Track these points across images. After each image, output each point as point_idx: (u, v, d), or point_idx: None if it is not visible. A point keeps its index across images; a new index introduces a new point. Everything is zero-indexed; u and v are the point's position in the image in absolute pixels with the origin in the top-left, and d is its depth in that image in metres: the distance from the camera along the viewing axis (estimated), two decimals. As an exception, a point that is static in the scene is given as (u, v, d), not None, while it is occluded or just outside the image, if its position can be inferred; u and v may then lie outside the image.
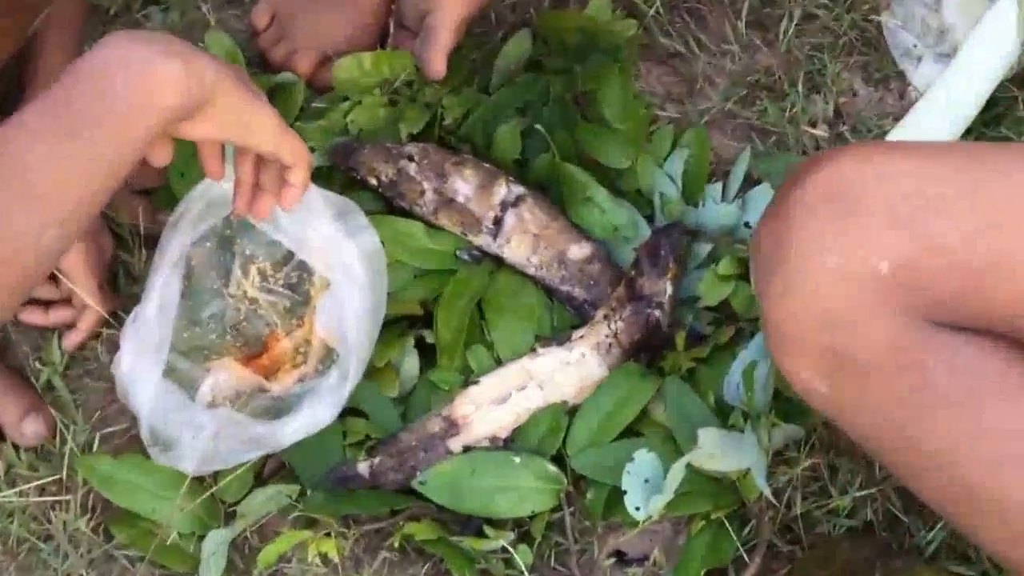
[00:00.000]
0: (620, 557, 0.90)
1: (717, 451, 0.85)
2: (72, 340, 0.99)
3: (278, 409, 0.93)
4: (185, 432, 0.90)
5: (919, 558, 0.86)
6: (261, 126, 0.72)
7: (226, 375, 0.94)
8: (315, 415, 0.88)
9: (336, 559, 0.85)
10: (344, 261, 0.92)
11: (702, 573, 0.87)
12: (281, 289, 0.99)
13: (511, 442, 0.93)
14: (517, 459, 0.90)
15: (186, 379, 0.94)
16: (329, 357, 0.94)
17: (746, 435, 0.85)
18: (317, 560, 0.85)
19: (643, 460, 0.85)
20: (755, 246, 0.65)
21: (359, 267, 0.91)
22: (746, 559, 0.86)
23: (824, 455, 0.90)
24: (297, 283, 0.99)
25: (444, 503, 0.89)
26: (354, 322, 0.90)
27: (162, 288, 0.91)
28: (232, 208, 0.81)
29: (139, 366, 0.90)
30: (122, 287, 1.03)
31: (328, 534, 0.86)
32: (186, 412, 0.91)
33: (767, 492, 0.84)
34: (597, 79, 1.01)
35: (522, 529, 0.90)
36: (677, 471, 0.84)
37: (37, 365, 1.00)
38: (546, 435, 0.92)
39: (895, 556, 0.86)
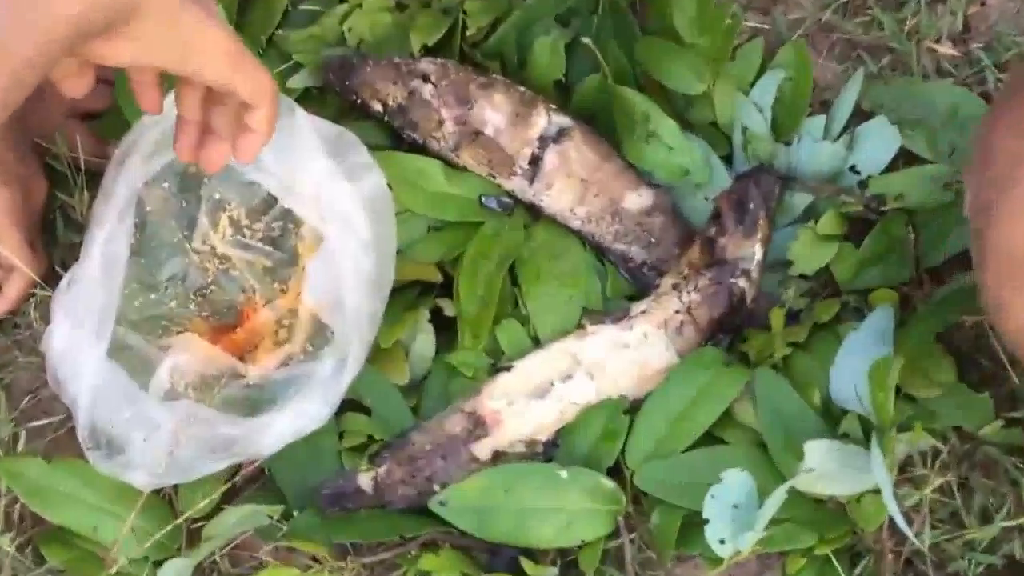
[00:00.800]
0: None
1: (830, 470, 0.65)
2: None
3: (255, 400, 0.73)
4: (135, 432, 0.69)
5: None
6: (205, 49, 0.52)
7: (189, 355, 0.73)
8: (304, 414, 0.68)
9: (331, 605, 0.65)
10: (341, 210, 0.70)
11: (801, 623, 0.68)
12: (260, 244, 0.77)
13: (554, 447, 0.73)
14: (563, 473, 0.70)
15: (138, 360, 0.73)
16: (321, 334, 0.74)
17: (872, 451, 0.64)
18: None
19: (733, 481, 0.65)
20: (981, 155, 0.54)
21: (360, 218, 0.70)
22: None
23: (957, 472, 0.70)
24: (280, 236, 0.78)
25: (469, 529, 0.69)
26: (354, 291, 0.69)
27: (107, 242, 0.69)
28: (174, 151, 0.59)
29: (76, 343, 0.69)
30: (61, 237, 0.81)
31: (319, 567, 0.66)
32: (137, 405, 0.70)
33: (899, 519, 0.64)
34: (663, -22, 0.79)
35: (568, 560, 0.71)
36: (777, 498, 0.64)
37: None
38: (600, 441, 0.72)
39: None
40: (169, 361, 0.73)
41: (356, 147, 0.70)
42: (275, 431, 0.67)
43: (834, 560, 0.68)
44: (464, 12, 0.81)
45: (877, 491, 0.67)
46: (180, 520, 0.72)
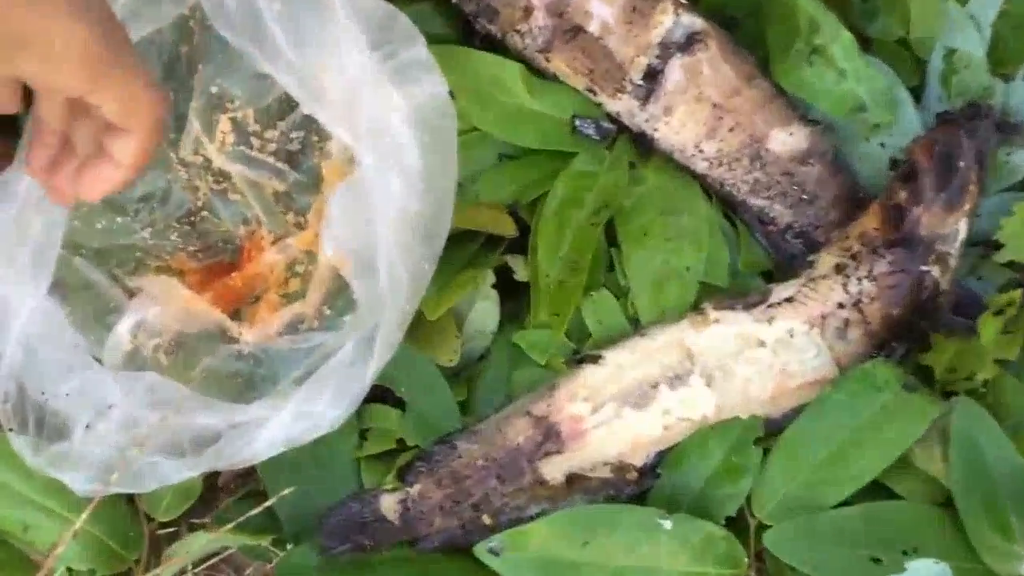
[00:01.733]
0: None
1: None
2: None
3: (249, 377, 0.53)
4: (79, 411, 0.50)
5: None
6: (49, 45, 0.38)
7: (163, 306, 0.53)
8: (308, 415, 0.48)
9: None
10: (383, 125, 0.49)
11: None
12: (271, 160, 0.57)
13: (652, 478, 0.53)
14: (665, 522, 0.50)
15: (94, 305, 0.54)
16: (344, 294, 0.53)
17: None
18: None
19: (924, 573, 0.44)
20: None
21: (409, 139, 0.49)
22: None
23: None
24: (301, 152, 0.57)
25: (530, 589, 0.50)
26: (393, 242, 0.48)
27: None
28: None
29: (5, 276, 0.49)
30: None
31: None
32: (84, 374, 0.50)
33: None
34: None
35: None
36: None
37: None
38: (718, 477, 0.52)
39: None
40: (133, 313, 0.53)
41: (410, 37, 0.48)
42: (266, 435, 0.48)
43: None
44: None
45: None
46: (142, 527, 0.54)
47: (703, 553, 0.50)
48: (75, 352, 0.51)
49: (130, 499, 0.56)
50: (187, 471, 0.49)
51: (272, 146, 0.57)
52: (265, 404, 0.50)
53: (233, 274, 0.56)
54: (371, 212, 0.49)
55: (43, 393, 0.50)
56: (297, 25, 0.47)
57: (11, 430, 0.50)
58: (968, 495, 0.49)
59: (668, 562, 0.50)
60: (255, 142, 0.57)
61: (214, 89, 0.55)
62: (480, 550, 0.50)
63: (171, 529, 0.55)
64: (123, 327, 0.53)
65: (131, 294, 0.55)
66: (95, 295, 0.55)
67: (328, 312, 0.54)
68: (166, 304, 0.54)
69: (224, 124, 0.56)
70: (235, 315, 0.55)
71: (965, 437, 0.50)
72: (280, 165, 0.57)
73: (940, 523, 0.50)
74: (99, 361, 0.52)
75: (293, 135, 0.57)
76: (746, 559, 0.51)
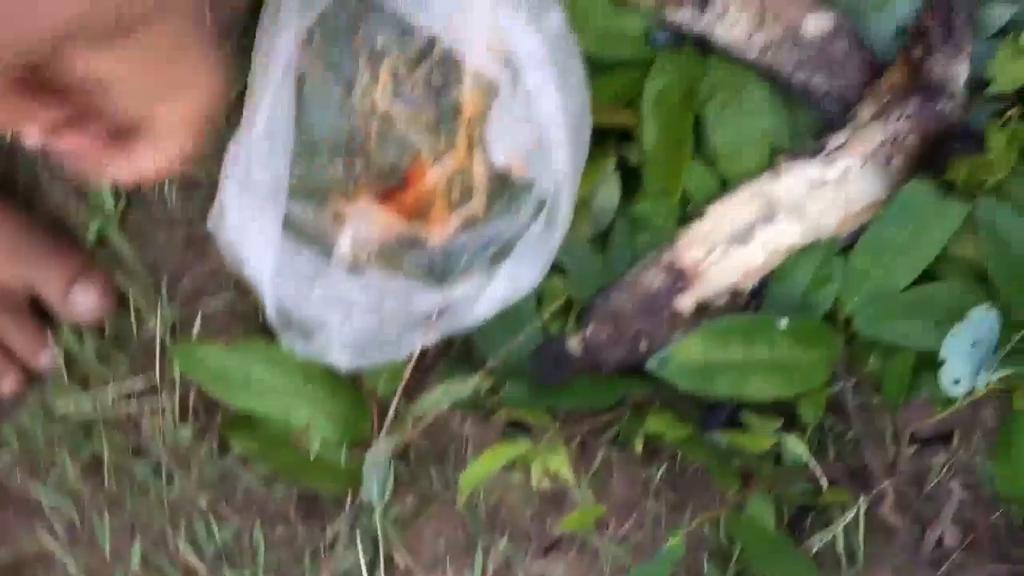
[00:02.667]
0: (920, 441, 0.69)
1: None
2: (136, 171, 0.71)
3: (443, 269, 0.68)
4: (330, 310, 0.64)
5: None
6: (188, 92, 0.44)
7: (367, 223, 0.68)
8: (517, 278, 0.63)
9: (569, 477, 0.61)
10: (522, 52, 0.64)
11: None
12: (420, 95, 0.70)
13: (759, 298, 0.69)
14: (782, 322, 0.66)
15: (311, 232, 0.68)
16: (508, 192, 0.68)
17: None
18: (546, 480, 0.61)
19: (979, 318, 0.61)
20: None
21: (550, 60, 0.63)
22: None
23: None
24: (444, 86, 0.71)
25: (691, 387, 0.66)
26: (561, 138, 0.63)
27: (272, 106, 0.63)
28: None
29: (251, 218, 0.63)
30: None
31: (548, 441, 0.62)
32: (326, 280, 0.65)
33: None
34: None
35: (786, 410, 0.68)
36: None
37: (82, 216, 0.73)
38: (812, 286, 0.68)
39: None
40: (350, 231, 0.67)
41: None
42: (487, 298, 0.63)
43: (1068, 390, 0.66)
44: None
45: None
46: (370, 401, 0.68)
47: (811, 343, 0.67)
48: (313, 265, 0.66)
49: (353, 382, 0.70)
50: (424, 339, 0.64)
51: (420, 85, 0.71)
52: (473, 281, 0.65)
53: (406, 193, 0.71)
54: (535, 119, 0.64)
55: (296, 300, 0.65)
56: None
57: (284, 331, 0.64)
58: (999, 267, 0.66)
59: (787, 354, 0.67)
60: (406, 83, 0.71)
61: (377, 45, 0.69)
62: (651, 364, 0.66)
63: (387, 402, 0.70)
64: (344, 242, 0.67)
65: (333, 222, 0.69)
66: (304, 227, 0.69)
67: (495, 208, 0.69)
68: (370, 222, 0.68)
69: (385, 72, 0.70)
70: (417, 225, 0.70)
71: (990, 225, 0.67)
72: (428, 99, 0.71)
73: (981, 293, 0.67)
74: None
75: (437, 71, 0.71)
76: (840, 342, 0.67)
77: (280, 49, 0.63)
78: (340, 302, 0.64)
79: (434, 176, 0.71)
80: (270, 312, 0.63)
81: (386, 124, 0.71)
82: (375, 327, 0.63)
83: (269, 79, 0.63)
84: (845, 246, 0.69)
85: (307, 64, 0.68)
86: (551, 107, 0.62)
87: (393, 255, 0.68)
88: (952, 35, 0.68)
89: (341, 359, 0.64)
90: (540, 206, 0.64)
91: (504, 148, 0.64)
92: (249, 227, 0.63)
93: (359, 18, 0.68)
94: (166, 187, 0.73)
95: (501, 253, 0.65)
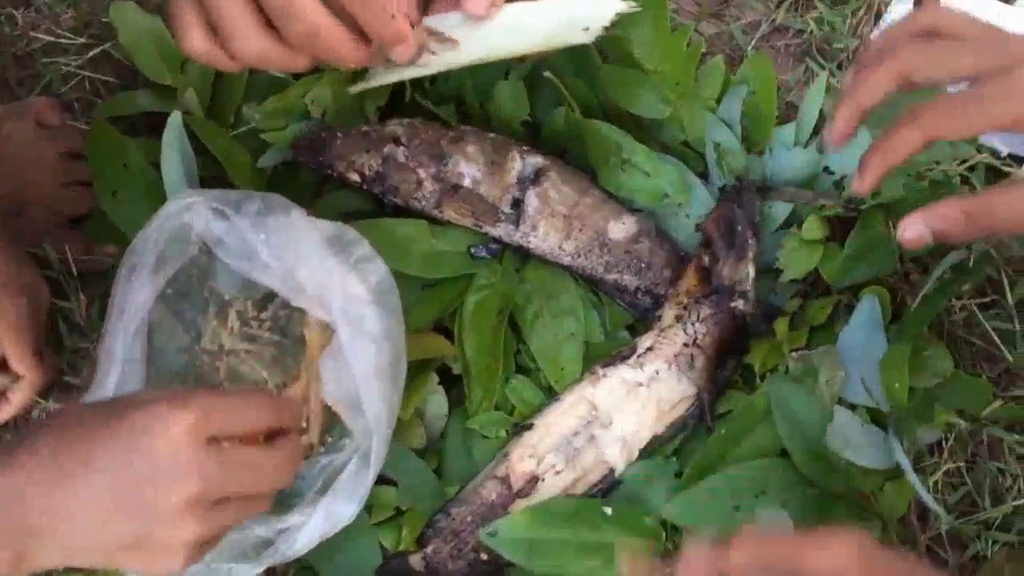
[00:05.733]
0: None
1: (856, 441, 0.68)
2: (2, 414, 0.77)
3: (281, 496, 0.73)
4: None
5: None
6: None
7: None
8: (334, 514, 0.68)
9: None
10: (349, 306, 0.70)
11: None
12: (268, 334, 0.76)
13: (603, 488, 0.75)
14: (607, 510, 0.72)
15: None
16: (338, 423, 0.74)
17: (890, 437, 0.68)
18: None
19: (772, 522, 0.67)
20: None
21: (371, 312, 0.69)
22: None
23: (964, 456, 0.74)
24: (287, 323, 0.77)
25: (519, 562, 0.71)
26: (371, 389, 0.68)
27: (124, 361, 0.69)
28: None
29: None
30: (67, 341, 0.80)
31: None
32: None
33: (927, 497, 0.67)
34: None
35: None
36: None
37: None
38: (639, 486, 0.74)
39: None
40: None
41: (358, 240, 0.69)
42: (307, 534, 0.68)
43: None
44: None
45: (896, 477, 0.70)
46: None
47: (632, 528, 0.72)
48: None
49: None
50: (251, 570, 0.69)
51: (267, 323, 0.77)
52: (301, 512, 0.70)
53: (251, 422, 0.76)
54: (351, 371, 0.69)
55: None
56: (277, 244, 0.67)
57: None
58: (795, 441, 0.72)
59: (611, 536, 0.72)
60: (254, 323, 0.77)
61: (225, 296, 0.75)
62: (482, 535, 0.70)
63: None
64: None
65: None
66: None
67: (329, 439, 0.74)
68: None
69: (232, 316, 0.76)
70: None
71: (784, 406, 0.73)
72: (275, 337, 0.77)
73: (778, 466, 0.73)
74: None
75: (281, 312, 0.77)
76: (664, 532, 0.72)
77: (131, 311, 0.69)
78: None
79: (276, 404, 0.76)
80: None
81: (235, 360, 0.76)
82: (208, 558, 0.68)
83: (118, 335, 0.69)
84: (661, 444, 0.75)
85: (158, 316, 0.74)
86: (366, 364, 0.68)
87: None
88: (735, 243, 0.75)
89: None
90: (358, 445, 0.69)
91: (332, 393, 0.70)
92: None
93: (208, 272, 0.75)
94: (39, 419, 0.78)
95: (324, 487, 0.70)
